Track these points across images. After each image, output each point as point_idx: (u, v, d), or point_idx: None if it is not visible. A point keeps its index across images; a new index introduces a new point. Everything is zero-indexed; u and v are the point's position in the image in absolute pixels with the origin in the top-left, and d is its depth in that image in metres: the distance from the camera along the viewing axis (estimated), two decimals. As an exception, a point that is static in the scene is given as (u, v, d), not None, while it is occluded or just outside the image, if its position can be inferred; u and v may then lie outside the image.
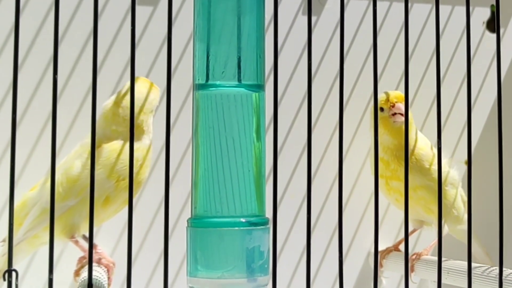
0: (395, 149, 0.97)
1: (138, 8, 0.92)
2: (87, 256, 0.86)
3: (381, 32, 1.08)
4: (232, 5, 0.63)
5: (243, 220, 0.61)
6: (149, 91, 0.89)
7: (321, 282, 1.05)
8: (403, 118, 0.95)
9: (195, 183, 0.62)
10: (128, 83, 0.88)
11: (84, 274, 0.81)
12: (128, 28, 0.96)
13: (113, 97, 0.89)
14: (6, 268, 0.85)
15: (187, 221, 0.62)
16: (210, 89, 0.62)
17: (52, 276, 0.56)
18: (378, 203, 0.62)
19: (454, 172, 1.01)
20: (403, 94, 0.95)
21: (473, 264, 0.65)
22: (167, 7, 0.58)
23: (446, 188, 0.99)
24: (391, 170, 0.98)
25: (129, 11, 0.96)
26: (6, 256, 0.84)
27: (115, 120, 0.87)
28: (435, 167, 0.97)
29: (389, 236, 1.08)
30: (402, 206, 1.00)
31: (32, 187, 0.88)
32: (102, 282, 0.74)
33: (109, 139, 0.86)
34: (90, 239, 0.57)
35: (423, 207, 0.98)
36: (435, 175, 0.96)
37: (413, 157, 0.98)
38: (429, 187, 0.96)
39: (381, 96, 0.98)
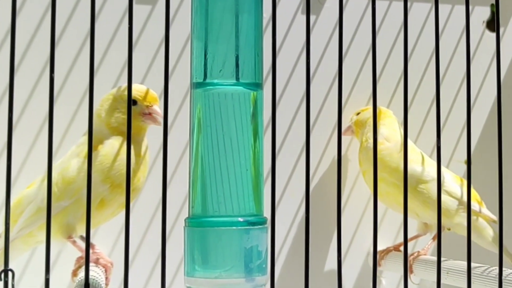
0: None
1: (136, 7, 0.91)
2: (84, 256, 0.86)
3: (380, 31, 1.08)
4: (230, 4, 0.62)
5: (241, 219, 0.61)
6: (145, 94, 0.87)
7: (320, 282, 1.05)
8: None
9: (192, 182, 0.62)
10: (123, 86, 0.88)
11: (82, 274, 0.80)
12: (126, 27, 0.96)
13: (108, 97, 0.88)
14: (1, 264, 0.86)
15: (185, 220, 0.62)
16: (208, 87, 0.62)
17: (49, 276, 0.56)
18: (377, 203, 0.62)
19: (429, 169, 1.00)
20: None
21: (472, 264, 0.65)
22: (165, 6, 0.58)
23: (421, 186, 0.98)
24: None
25: (127, 11, 0.96)
26: (1, 251, 0.85)
27: (100, 123, 0.86)
28: (388, 158, 0.97)
29: (389, 236, 1.07)
30: (383, 200, 1.00)
31: (29, 185, 0.87)
32: (99, 282, 0.74)
33: (100, 141, 0.85)
34: (87, 239, 0.57)
35: (396, 203, 0.98)
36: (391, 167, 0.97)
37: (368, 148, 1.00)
38: (385, 180, 0.96)
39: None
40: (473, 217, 0.98)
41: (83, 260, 0.85)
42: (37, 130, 0.97)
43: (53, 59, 0.57)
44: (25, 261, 0.95)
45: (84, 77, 0.98)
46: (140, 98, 0.85)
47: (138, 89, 0.86)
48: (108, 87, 0.96)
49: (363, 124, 1.03)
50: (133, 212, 0.58)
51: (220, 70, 0.61)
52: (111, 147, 0.84)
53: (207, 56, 0.61)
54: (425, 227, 1.02)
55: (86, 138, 0.84)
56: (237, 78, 0.62)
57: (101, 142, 0.85)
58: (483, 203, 1.01)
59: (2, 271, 0.57)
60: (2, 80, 0.96)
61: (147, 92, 0.86)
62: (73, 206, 0.83)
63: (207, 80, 0.62)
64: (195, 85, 0.62)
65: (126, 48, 0.98)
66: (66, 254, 0.91)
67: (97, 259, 0.85)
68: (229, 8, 0.62)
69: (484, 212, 0.99)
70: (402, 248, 1.03)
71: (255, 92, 0.62)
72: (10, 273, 0.57)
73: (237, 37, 0.62)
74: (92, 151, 0.57)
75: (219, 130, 0.61)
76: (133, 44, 0.59)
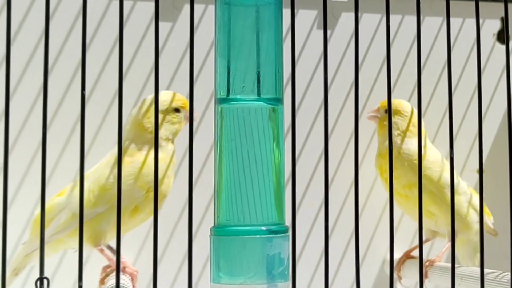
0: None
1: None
2: (112, 264, 0.87)
3: (393, 45, 1.10)
4: (251, 22, 0.65)
5: (264, 228, 0.63)
6: (172, 98, 0.90)
7: (338, 286, 1.07)
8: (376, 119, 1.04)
9: (218, 193, 0.64)
10: (149, 97, 0.90)
11: (110, 282, 0.82)
12: (148, 41, 0.98)
13: (137, 108, 0.90)
14: (22, 266, 0.88)
15: (210, 229, 0.64)
16: (231, 103, 0.64)
17: (82, 283, 0.58)
18: (393, 210, 0.63)
19: (461, 181, 1.02)
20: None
21: (485, 270, 0.65)
22: (185, 23, 0.59)
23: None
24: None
25: (151, 26, 0.98)
26: (26, 256, 0.87)
27: (141, 130, 0.89)
28: (430, 165, 0.99)
29: (404, 243, 1.08)
30: (403, 206, 1.01)
31: (58, 193, 0.89)
32: (128, 289, 0.76)
33: (138, 148, 0.88)
34: (118, 247, 0.59)
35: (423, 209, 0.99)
36: (431, 174, 0.98)
37: (402, 154, 1.00)
38: (424, 187, 0.97)
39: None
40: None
41: (110, 269, 0.88)
42: (66, 138, 0.99)
43: (84, 73, 0.59)
44: (53, 268, 0.97)
45: (109, 86, 1.00)
46: (183, 105, 0.90)
47: (179, 98, 0.90)
48: (135, 94, 0.99)
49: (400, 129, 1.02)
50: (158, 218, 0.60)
51: (243, 87, 0.64)
52: (146, 155, 0.87)
53: (230, 73, 0.64)
54: (433, 233, 1.03)
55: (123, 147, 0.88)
56: (259, 94, 0.64)
57: (133, 151, 0.88)
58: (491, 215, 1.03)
59: (38, 279, 0.58)
60: (35, 86, 0.98)
61: (183, 99, 0.91)
62: (108, 213, 0.85)
63: (230, 96, 0.64)
64: (219, 101, 0.65)
65: (148, 62, 1.01)
66: (92, 262, 0.93)
67: (124, 267, 0.87)
68: (250, 27, 0.65)
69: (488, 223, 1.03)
70: (413, 253, 1.04)
71: (275, 107, 0.65)
72: (45, 281, 0.58)
73: (258, 54, 0.64)
74: (121, 157, 0.60)
75: (243, 143, 0.63)
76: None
